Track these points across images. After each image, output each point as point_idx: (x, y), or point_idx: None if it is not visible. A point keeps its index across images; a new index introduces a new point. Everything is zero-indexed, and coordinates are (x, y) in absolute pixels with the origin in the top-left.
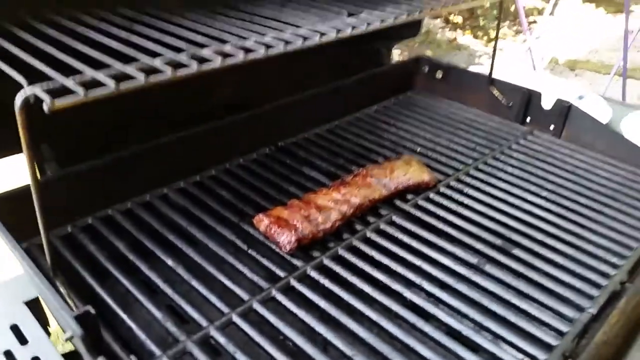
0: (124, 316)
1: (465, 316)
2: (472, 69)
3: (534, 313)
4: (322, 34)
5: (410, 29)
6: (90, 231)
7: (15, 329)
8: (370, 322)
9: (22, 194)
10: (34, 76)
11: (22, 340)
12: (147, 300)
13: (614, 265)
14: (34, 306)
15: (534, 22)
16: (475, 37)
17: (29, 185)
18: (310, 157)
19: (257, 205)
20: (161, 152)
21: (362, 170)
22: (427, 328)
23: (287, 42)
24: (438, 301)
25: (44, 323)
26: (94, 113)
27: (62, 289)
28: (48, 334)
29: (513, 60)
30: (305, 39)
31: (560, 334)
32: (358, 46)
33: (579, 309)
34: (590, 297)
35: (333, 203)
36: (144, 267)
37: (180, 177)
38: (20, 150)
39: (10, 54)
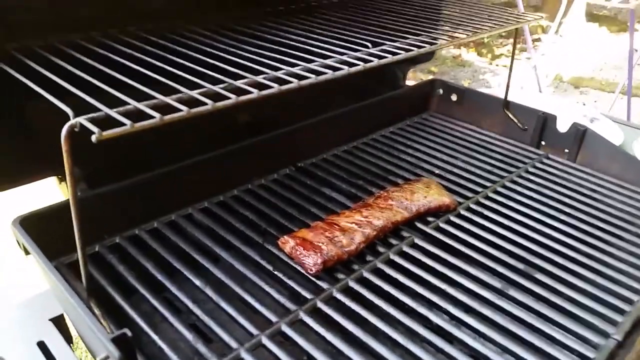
0: (155, 337)
1: (491, 340)
2: (486, 91)
3: (559, 338)
4: (351, 65)
5: (426, 54)
6: (118, 250)
7: (41, 346)
8: (397, 345)
9: (48, 213)
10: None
11: (49, 356)
12: (175, 319)
13: (636, 291)
14: (57, 322)
15: (539, 39)
16: (480, 54)
17: (55, 205)
18: (330, 178)
19: (280, 225)
20: (185, 173)
21: (382, 193)
22: (452, 351)
23: (318, 74)
24: (463, 325)
25: (67, 339)
26: (121, 136)
27: (96, 311)
28: (71, 349)
29: (518, 78)
30: (335, 69)
31: None
32: (375, 70)
33: (604, 335)
34: (614, 323)
35: (356, 225)
36: (172, 287)
37: (204, 197)
38: (48, 175)
39: (47, 80)
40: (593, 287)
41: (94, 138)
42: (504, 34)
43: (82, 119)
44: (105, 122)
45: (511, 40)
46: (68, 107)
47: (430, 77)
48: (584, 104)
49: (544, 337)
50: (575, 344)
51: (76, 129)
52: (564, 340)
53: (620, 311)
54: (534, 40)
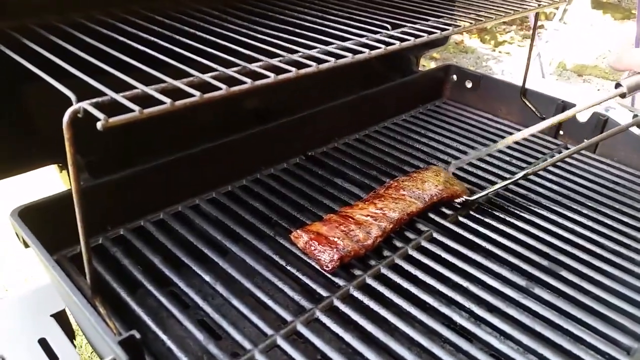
0: (164, 337)
1: (515, 340)
2: (502, 78)
3: (588, 339)
4: (372, 48)
5: (442, 38)
6: (122, 242)
7: (43, 343)
8: (419, 346)
9: (48, 204)
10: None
11: (51, 354)
12: (183, 316)
13: None
14: (59, 317)
15: (542, 26)
16: (483, 41)
17: (55, 195)
18: (342, 168)
19: (290, 217)
20: (192, 162)
21: (392, 182)
22: (473, 351)
23: (337, 57)
24: (485, 324)
25: (69, 335)
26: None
27: (101, 310)
28: (74, 346)
29: (522, 65)
30: (355, 52)
31: None
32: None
33: (636, 337)
34: None
35: (372, 218)
36: (179, 281)
37: (212, 187)
38: (48, 163)
39: (47, 62)
40: (621, 285)
41: (99, 125)
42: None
43: (85, 104)
44: (111, 108)
45: (514, 27)
46: (70, 90)
47: (433, 63)
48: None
49: (571, 337)
50: (605, 346)
51: (79, 115)
52: (593, 341)
53: None
54: (538, 27)
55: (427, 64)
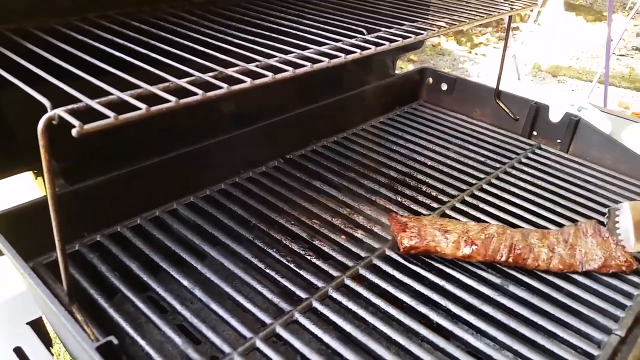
0: (142, 342)
1: (490, 337)
2: (476, 80)
3: (561, 335)
4: (348, 53)
5: (417, 42)
6: (99, 249)
7: (18, 352)
8: (398, 345)
9: (23, 211)
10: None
11: None
12: (161, 321)
13: (636, 285)
14: (36, 325)
15: (517, 28)
16: (459, 43)
17: (31, 202)
18: (320, 170)
19: (269, 219)
20: (169, 167)
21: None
22: (450, 349)
23: (314, 62)
24: (462, 322)
25: (46, 343)
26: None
27: (79, 316)
28: (51, 354)
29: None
30: (331, 57)
31: (590, 357)
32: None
33: (606, 331)
34: (615, 319)
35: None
36: (157, 287)
37: (190, 191)
38: (22, 170)
39: (21, 68)
40: (593, 281)
41: (74, 132)
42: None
43: (60, 111)
44: (86, 114)
45: (490, 29)
46: (45, 97)
47: (411, 66)
48: (572, 90)
49: (545, 333)
50: (578, 341)
51: (54, 122)
52: (566, 336)
53: (621, 306)
54: (513, 29)
55: (404, 66)
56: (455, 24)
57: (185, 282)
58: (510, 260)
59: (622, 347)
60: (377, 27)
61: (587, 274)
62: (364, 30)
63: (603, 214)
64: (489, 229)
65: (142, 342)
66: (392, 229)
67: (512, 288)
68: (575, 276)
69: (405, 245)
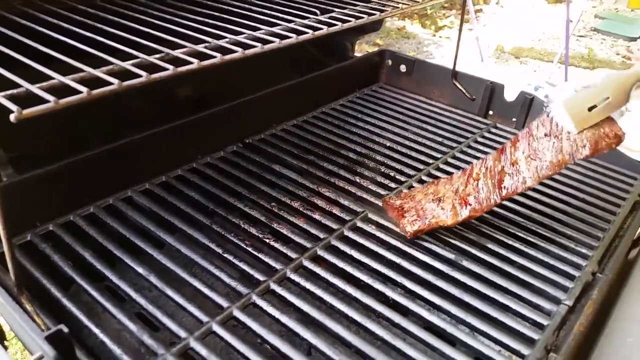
0: (96, 330)
1: (446, 312)
2: (435, 62)
3: (514, 307)
4: (300, 33)
5: (375, 23)
6: (51, 238)
7: None
8: (356, 323)
9: None
10: None
11: None
12: (117, 310)
13: (584, 256)
14: None
15: (480, 10)
16: (424, 26)
17: None
18: (280, 154)
19: (228, 204)
20: (122, 153)
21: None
22: (407, 324)
23: (264, 42)
24: (418, 298)
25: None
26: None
27: (28, 306)
28: (5, 348)
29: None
30: (282, 37)
31: (540, 327)
32: (323, 40)
33: (556, 301)
34: (565, 289)
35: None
36: (112, 276)
37: (145, 178)
38: None
39: None
40: (544, 254)
41: (12, 117)
42: (446, 4)
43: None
44: (28, 100)
45: (454, 12)
46: None
47: (376, 49)
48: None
49: (498, 306)
50: (529, 312)
51: None
52: (518, 308)
53: (571, 277)
54: (476, 11)
55: (370, 49)
56: (408, 4)
57: (141, 270)
58: (504, 194)
59: (570, 315)
60: (330, 8)
61: (537, 247)
62: (317, 11)
63: (558, 190)
64: (472, 172)
65: (96, 331)
66: (389, 215)
67: (466, 263)
68: (527, 249)
69: (410, 232)
